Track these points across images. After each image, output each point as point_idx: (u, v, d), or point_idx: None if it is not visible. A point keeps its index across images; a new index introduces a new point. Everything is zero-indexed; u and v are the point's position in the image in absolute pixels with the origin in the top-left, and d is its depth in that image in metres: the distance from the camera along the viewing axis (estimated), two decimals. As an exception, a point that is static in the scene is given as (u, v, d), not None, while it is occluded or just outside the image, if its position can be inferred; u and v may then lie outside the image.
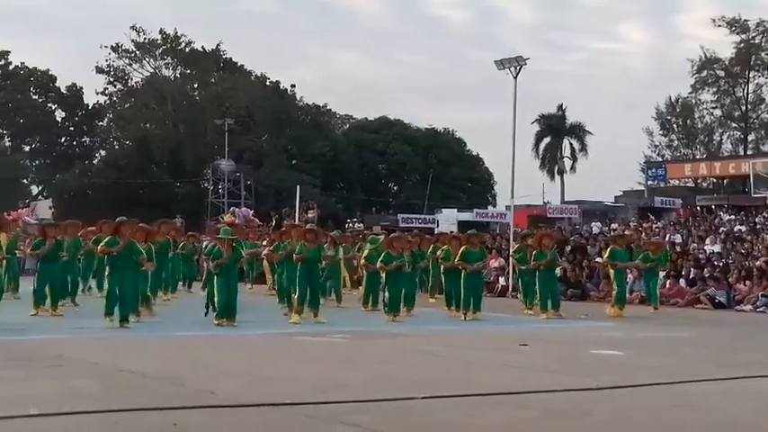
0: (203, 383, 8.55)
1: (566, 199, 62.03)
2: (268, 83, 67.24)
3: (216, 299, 15.32)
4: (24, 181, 70.30)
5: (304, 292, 16.14)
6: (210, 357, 11.18)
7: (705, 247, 29.52)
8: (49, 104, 71.46)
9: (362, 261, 20.26)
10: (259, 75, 67.95)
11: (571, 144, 69.82)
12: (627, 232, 30.48)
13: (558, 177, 69.28)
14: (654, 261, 20.53)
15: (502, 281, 27.25)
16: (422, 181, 65.09)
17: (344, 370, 10.12)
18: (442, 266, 19.30)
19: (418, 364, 10.75)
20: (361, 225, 45.50)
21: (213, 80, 67.14)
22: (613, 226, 39.53)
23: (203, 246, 22.01)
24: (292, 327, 15.09)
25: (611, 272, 20.09)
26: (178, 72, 68.56)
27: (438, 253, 19.91)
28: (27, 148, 72.12)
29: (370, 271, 19.25)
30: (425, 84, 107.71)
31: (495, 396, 8.15)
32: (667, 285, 23.70)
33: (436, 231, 38.44)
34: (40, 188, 72.08)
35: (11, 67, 69.67)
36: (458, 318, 17.63)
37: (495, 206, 63.78)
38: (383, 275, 17.90)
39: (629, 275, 22.64)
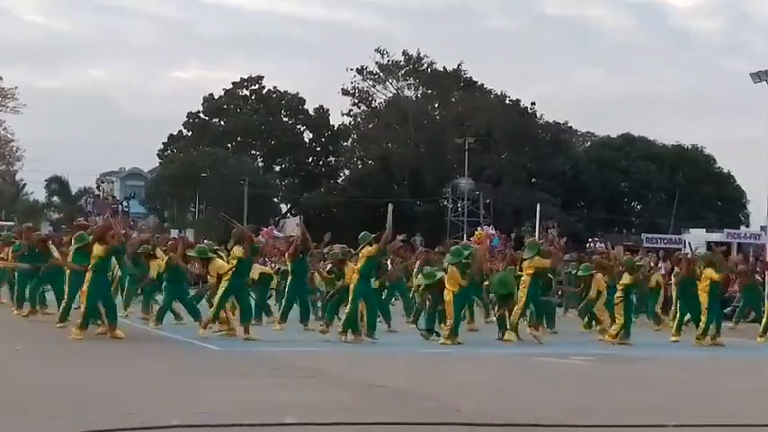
0: (451, 399, 8.64)
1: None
2: (508, 101, 67.28)
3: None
4: (275, 199, 73.80)
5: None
6: (453, 373, 11.28)
7: None
8: (298, 126, 74.78)
9: None
10: (499, 93, 68.18)
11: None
12: None
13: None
14: None
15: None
16: (667, 200, 62.86)
17: (588, 393, 9.93)
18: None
19: (664, 390, 10.37)
20: (602, 245, 44.40)
21: (453, 99, 67.90)
22: None
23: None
24: (536, 347, 14.89)
25: None
26: (420, 92, 69.90)
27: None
28: (277, 168, 75.76)
29: None
30: (672, 98, 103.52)
31: (757, 428, 7.70)
32: None
33: (683, 252, 36.97)
34: (288, 206, 75.49)
35: (264, 91, 73.59)
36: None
37: (747, 226, 60.65)
38: None
39: None
